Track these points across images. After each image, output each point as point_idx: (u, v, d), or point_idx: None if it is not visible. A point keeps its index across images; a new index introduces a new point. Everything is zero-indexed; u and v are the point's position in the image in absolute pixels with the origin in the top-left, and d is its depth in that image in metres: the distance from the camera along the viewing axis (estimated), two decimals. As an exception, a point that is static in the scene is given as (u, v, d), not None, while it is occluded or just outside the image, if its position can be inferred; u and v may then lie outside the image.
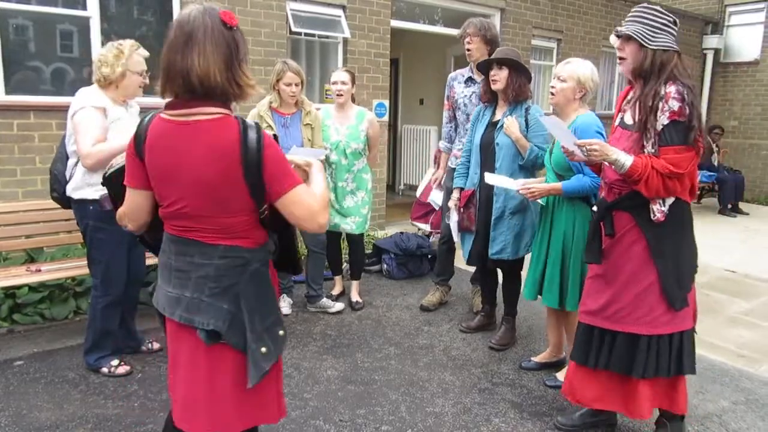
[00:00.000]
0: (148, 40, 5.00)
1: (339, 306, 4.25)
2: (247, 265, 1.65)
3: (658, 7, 2.33)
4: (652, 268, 2.39)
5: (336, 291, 4.57)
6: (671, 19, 2.31)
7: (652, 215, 2.35)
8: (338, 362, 3.46)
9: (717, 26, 11.05)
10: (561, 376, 3.22)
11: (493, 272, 3.81)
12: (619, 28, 2.35)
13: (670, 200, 2.34)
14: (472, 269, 4.39)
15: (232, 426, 1.70)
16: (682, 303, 2.41)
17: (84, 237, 3.12)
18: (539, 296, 3.20)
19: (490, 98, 3.59)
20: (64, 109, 3.05)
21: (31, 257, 4.03)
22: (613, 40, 2.41)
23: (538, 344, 3.78)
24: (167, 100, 1.60)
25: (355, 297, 4.41)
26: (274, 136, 1.66)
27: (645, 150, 2.29)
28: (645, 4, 2.38)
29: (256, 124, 1.60)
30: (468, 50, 4.00)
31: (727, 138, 10.06)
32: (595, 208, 2.61)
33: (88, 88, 2.97)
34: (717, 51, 10.94)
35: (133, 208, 1.71)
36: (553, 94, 2.99)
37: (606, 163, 2.41)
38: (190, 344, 1.66)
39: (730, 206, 8.89)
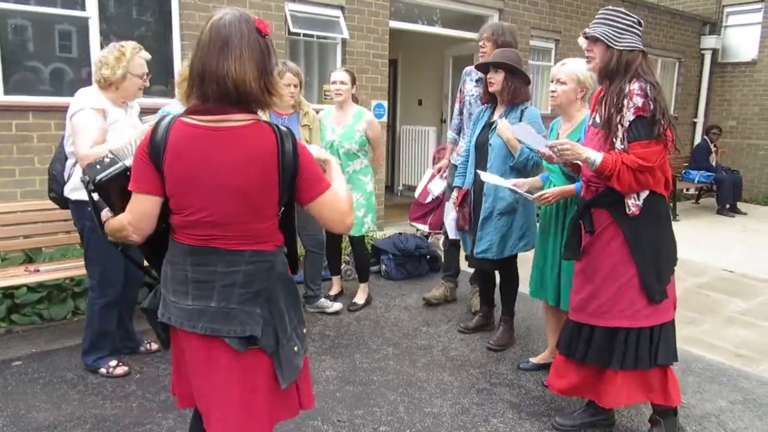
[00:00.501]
0: (147, 40, 5.00)
1: (337, 306, 4.24)
2: (272, 268, 1.65)
3: (622, 9, 2.43)
4: (631, 263, 2.45)
5: (333, 291, 4.57)
6: (636, 20, 2.41)
7: (627, 209, 2.41)
8: (337, 363, 3.46)
9: (715, 26, 11.07)
10: (559, 376, 3.24)
11: (491, 273, 3.82)
12: (586, 30, 2.46)
13: (644, 194, 2.40)
14: (472, 269, 4.40)
15: (265, 429, 1.70)
16: (661, 295, 2.47)
17: (81, 238, 3.12)
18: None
19: (488, 100, 3.62)
20: (62, 110, 3.05)
21: (30, 257, 4.03)
22: (581, 41, 2.50)
23: (536, 345, 3.78)
24: (191, 104, 1.57)
25: (357, 299, 4.39)
26: None
27: (615, 147, 2.36)
28: (610, 7, 2.47)
29: (288, 128, 1.60)
30: (482, 52, 4.03)
31: (725, 138, 10.08)
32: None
33: (88, 89, 2.97)
34: (715, 51, 10.97)
35: (142, 215, 1.60)
36: (554, 97, 2.98)
37: (571, 162, 2.50)
38: (218, 355, 1.62)
39: (728, 206, 8.90)
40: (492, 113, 3.60)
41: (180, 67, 3.54)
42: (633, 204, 2.40)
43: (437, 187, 4.82)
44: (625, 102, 2.32)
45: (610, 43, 2.37)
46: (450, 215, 3.83)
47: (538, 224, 3.32)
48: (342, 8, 6.03)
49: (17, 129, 4.35)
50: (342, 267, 4.73)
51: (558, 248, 3.08)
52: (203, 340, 1.62)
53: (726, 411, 3.06)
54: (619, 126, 2.35)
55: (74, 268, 3.72)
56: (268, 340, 1.63)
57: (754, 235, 7.56)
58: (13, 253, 3.99)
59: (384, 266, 5.17)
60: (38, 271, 3.68)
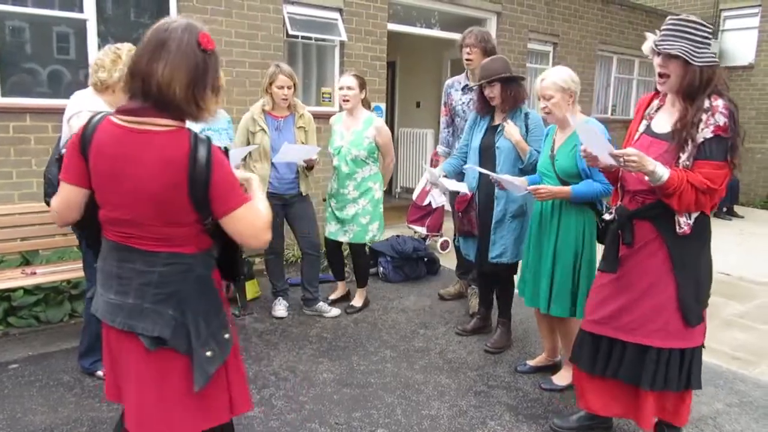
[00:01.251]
0: (144, 42, 5.00)
1: (335, 312, 4.24)
2: (191, 270, 1.64)
3: (697, 20, 2.21)
4: (671, 281, 2.34)
5: (334, 296, 4.53)
6: (711, 31, 2.23)
7: (677, 227, 2.28)
8: (334, 365, 3.46)
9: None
10: (557, 379, 3.23)
11: (490, 275, 3.82)
12: (660, 45, 2.20)
13: (695, 213, 2.29)
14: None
15: (185, 430, 1.70)
16: (698, 319, 2.38)
17: (80, 241, 3.11)
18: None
19: (487, 111, 3.59)
20: (60, 112, 3.04)
21: (27, 260, 4.02)
22: (648, 48, 2.26)
23: (534, 347, 3.78)
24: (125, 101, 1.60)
25: (354, 302, 4.39)
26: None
27: (680, 162, 2.21)
28: (684, 17, 2.22)
29: (208, 138, 1.58)
30: (468, 60, 4.07)
31: (722, 141, 10.09)
32: (607, 216, 2.55)
33: (83, 92, 2.96)
34: (712, 55, 10.99)
35: (68, 204, 1.67)
36: (548, 113, 2.92)
37: (632, 173, 2.31)
38: (133, 351, 1.65)
39: (725, 209, 8.92)
40: (492, 117, 3.59)
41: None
42: (685, 223, 2.27)
43: (438, 196, 4.66)
44: (705, 117, 2.16)
45: (691, 61, 2.15)
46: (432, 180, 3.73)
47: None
48: (340, 11, 6.04)
49: (14, 131, 4.34)
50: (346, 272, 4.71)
51: (549, 254, 3.01)
52: (121, 335, 1.66)
53: (723, 413, 3.06)
54: (690, 141, 2.18)
55: (71, 270, 3.71)
56: (180, 341, 1.63)
57: (751, 239, 7.58)
58: (9, 255, 3.98)
59: (382, 268, 5.17)
60: (35, 273, 3.67)
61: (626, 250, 2.42)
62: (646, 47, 2.28)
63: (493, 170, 3.43)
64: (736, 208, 9.13)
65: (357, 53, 6.22)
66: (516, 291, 3.44)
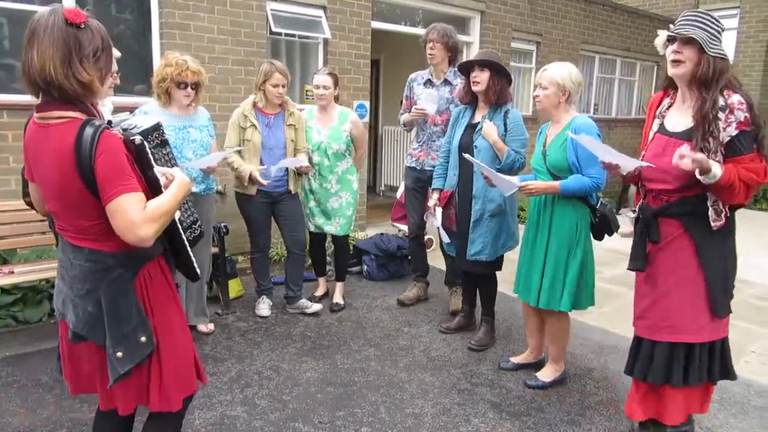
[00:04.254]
0: (125, 38, 4.96)
1: (317, 307, 4.22)
2: (109, 270, 1.65)
3: (713, 14, 2.28)
4: (700, 276, 2.37)
5: (319, 292, 4.55)
6: (723, 28, 2.27)
7: (712, 222, 2.31)
8: (318, 364, 3.45)
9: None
10: (541, 375, 3.25)
11: (470, 273, 3.83)
12: (677, 29, 2.24)
13: (728, 205, 2.32)
14: (443, 268, 4.42)
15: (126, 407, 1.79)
16: (726, 311, 2.40)
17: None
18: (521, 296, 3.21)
19: (470, 100, 3.61)
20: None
21: (4, 259, 3.95)
22: (661, 41, 2.30)
23: (517, 345, 3.80)
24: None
25: (336, 299, 4.39)
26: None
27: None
28: (700, 11, 2.29)
29: (102, 125, 1.55)
30: (430, 54, 4.18)
31: (701, 141, 10.23)
32: (631, 214, 2.58)
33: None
34: (692, 55, 11.14)
35: (35, 198, 1.82)
36: (538, 101, 3.04)
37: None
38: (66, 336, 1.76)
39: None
40: (473, 114, 3.61)
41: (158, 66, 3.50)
42: (720, 215, 2.30)
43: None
44: (723, 116, 2.19)
45: (706, 48, 2.19)
46: (437, 219, 3.70)
47: (523, 225, 3.33)
48: (324, 8, 6.01)
49: (-9, 127, 4.26)
50: (327, 268, 4.71)
51: (542, 247, 3.05)
52: (64, 324, 1.76)
53: (702, 409, 3.11)
54: (711, 138, 2.20)
55: (50, 269, 3.64)
56: (98, 335, 1.68)
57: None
58: (-14, 254, 3.91)
59: (366, 267, 5.17)
60: (13, 272, 3.60)
61: (652, 247, 2.45)
62: (659, 41, 2.32)
63: (471, 170, 3.44)
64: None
65: (341, 51, 6.20)
66: (508, 289, 3.45)
